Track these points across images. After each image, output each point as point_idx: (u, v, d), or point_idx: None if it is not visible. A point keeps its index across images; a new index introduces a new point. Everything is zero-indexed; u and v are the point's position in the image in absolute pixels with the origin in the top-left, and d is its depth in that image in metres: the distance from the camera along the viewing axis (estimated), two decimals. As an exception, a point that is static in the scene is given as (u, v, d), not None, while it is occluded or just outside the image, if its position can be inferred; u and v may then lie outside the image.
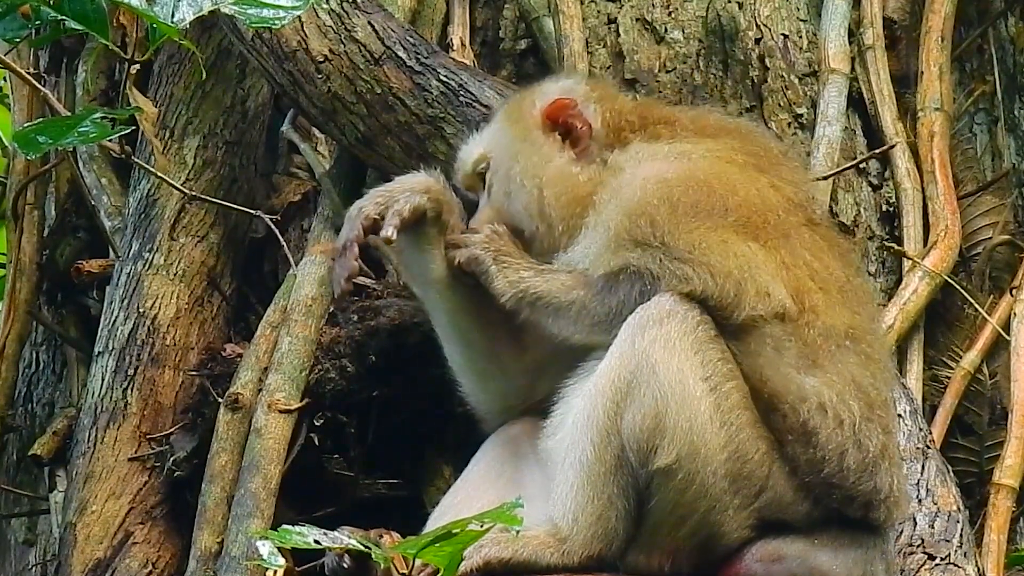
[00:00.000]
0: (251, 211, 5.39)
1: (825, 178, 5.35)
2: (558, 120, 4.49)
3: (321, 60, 5.18)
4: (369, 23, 5.21)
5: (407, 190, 4.40)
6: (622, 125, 4.50)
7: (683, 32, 5.61)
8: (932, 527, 4.63)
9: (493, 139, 4.57)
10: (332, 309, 5.13)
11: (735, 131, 4.52)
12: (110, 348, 5.32)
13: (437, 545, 3.68)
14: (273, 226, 5.28)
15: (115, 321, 5.35)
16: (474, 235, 4.40)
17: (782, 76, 5.60)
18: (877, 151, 5.54)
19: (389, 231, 4.32)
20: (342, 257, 4.35)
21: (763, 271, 4.15)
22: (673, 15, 5.62)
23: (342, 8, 5.21)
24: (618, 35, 5.61)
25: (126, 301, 5.36)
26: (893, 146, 5.53)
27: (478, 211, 4.56)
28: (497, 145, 4.54)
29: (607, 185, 4.37)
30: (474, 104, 5.11)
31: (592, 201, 4.36)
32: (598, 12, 5.63)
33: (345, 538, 3.88)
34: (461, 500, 4.43)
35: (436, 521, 4.35)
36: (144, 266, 5.39)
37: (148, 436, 5.22)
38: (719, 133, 4.47)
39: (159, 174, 5.21)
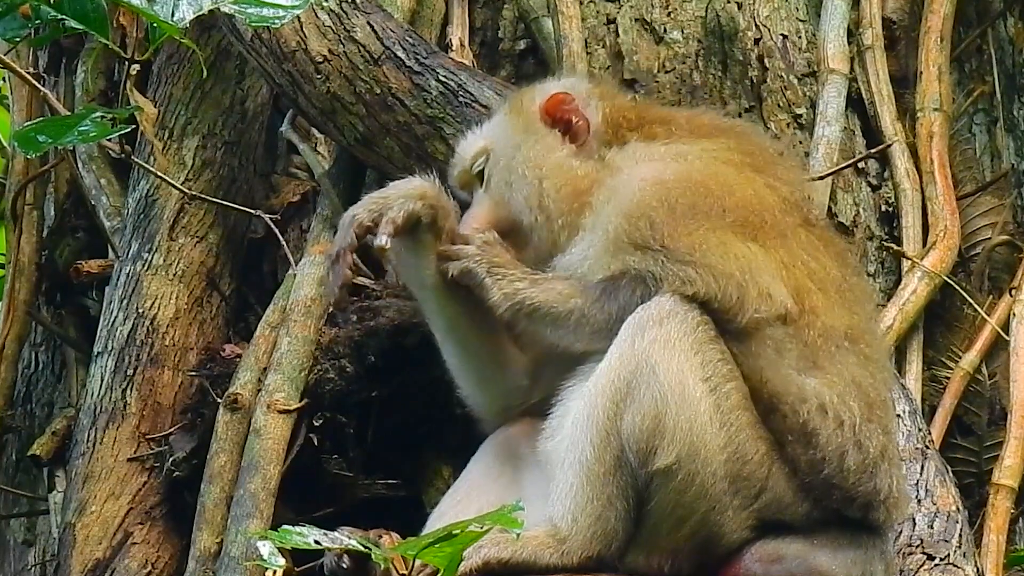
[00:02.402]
0: (250, 211, 5.39)
1: (822, 178, 5.35)
2: (556, 115, 4.50)
3: (320, 60, 5.18)
4: (368, 23, 5.21)
5: (402, 196, 4.37)
6: (620, 122, 4.51)
7: (682, 32, 5.61)
8: (931, 527, 4.63)
9: (494, 132, 4.58)
10: (331, 310, 5.12)
11: (730, 131, 4.53)
12: (109, 348, 5.32)
13: (437, 546, 3.68)
14: (273, 226, 5.28)
15: (114, 321, 5.35)
16: (465, 247, 4.37)
17: (781, 76, 5.60)
18: (874, 150, 5.54)
19: (382, 239, 4.29)
20: (335, 265, 4.31)
21: (764, 272, 4.15)
22: (672, 15, 5.62)
23: (341, 8, 5.21)
24: (617, 35, 5.60)
25: (125, 301, 5.36)
26: (890, 145, 5.53)
27: (472, 206, 4.55)
28: (499, 137, 4.55)
29: (604, 185, 4.37)
30: (473, 104, 5.11)
31: (589, 201, 4.36)
32: (597, 12, 5.63)
33: (345, 538, 3.88)
34: (460, 501, 4.43)
35: (436, 522, 4.35)
36: (143, 266, 5.39)
37: (147, 436, 5.21)
38: (714, 133, 4.48)
39: (159, 174, 5.21)
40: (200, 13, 4.74)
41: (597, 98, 4.55)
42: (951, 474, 4.84)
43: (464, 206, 4.55)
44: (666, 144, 4.43)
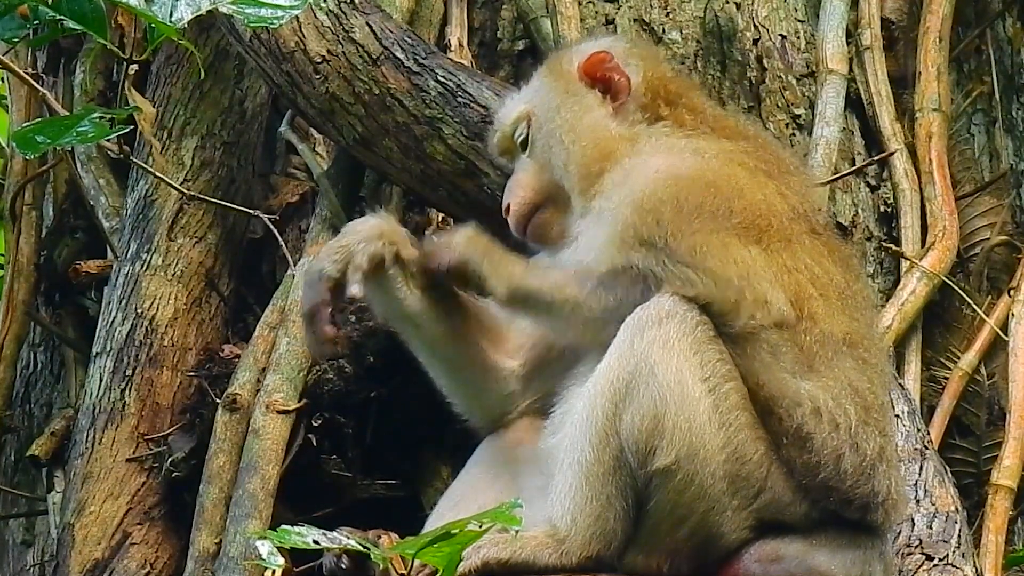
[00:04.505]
0: (249, 211, 5.39)
1: (827, 183, 5.35)
2: (596, 75, 4.49)
3: (319, 61, 5.18)
4: (367, 24, 5.20)
5: (362, 240, 4.34)
6: (659, 91, 4.50)
7: (681, 33, 5.61)
8: (930, 528, 4.63)
9: (534, 96, 4.57)
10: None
11: (752, 137, 4.51)
12: (108, 349, 5.32)
13: (436, 546, 3.67)
14: (271, 226, 5.28)
15: (113, 322, 5.35)
16: (453, 240, 4.37)
17: (780, 77, 5.60)
18: (877, 157, 5.54)
19: (354, 289, 4.28)
20: (314, 323, 4.29)
21: (762, 278, 4.14)
22: (671, 16, 5.63)
23: (340, 9, 5.21)
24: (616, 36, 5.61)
25: (124, 302, 5.36)
26: (892, 153, 5.53)
27: (516, 172, 4.54)
28: (539, 101, 4.53)
29: (621, 164, 4.35)
30: (472, 104, 5.11)
31: (602, 175, 4.34)
32: (596, 13, 5.63)
33: (343, 538, 3.88)
34: (459, 501, 4.42)
35: (434, 522, 4.35)
36: (142, 267, 5.39)
37: (146, 437, 5.21)
38: (736, 136, 4.46)
39: (157, 174, 5.21)
40: (198, 13, 4.73)
41: (637, 58, 4.54)
42: (950, 474, 4.83)
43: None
44: (688, 137, 4.41)
